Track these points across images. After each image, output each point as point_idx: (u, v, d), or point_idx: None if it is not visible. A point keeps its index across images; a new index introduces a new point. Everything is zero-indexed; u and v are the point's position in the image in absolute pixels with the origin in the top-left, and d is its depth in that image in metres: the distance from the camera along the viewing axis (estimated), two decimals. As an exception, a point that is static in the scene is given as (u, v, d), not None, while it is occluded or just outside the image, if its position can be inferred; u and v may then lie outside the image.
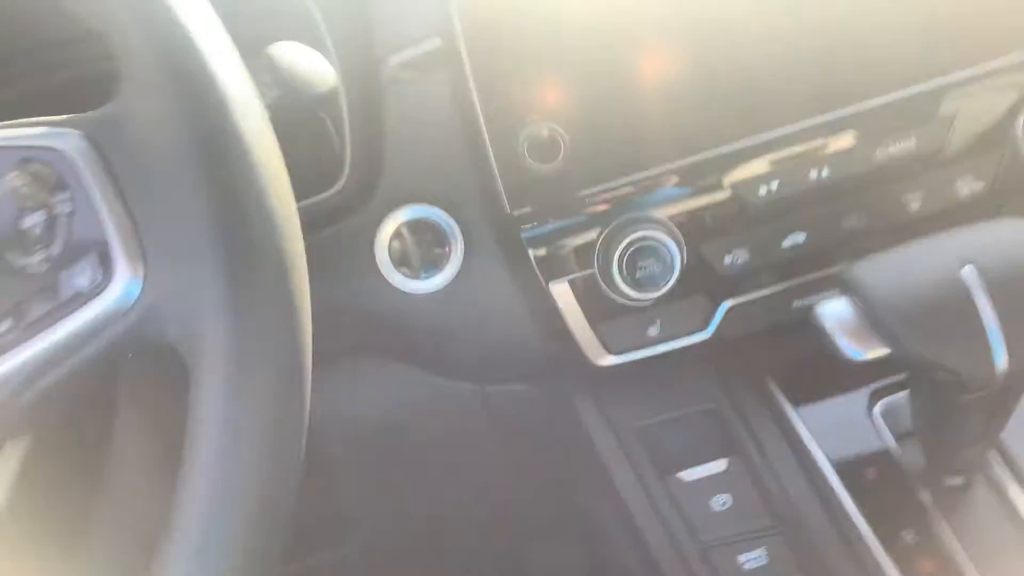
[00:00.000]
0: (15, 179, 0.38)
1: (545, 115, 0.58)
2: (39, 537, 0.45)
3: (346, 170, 0.61)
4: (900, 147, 0.59)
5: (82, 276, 0.37)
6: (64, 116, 0.39)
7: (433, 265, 0.62)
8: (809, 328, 0.52)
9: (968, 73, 0.58)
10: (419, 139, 0.62)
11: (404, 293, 0.62)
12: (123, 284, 0.36)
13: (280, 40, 0.60)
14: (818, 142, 0.58)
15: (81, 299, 0.37)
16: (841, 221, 0.60)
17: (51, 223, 0.38)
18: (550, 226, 0.59)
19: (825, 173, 0.59)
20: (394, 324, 0.63)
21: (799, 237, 0.60)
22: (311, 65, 0.51)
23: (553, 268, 0.60)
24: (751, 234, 0.60)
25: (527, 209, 0.59)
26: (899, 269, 0.50)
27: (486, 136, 0.58)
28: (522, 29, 0.59)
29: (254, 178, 0.36)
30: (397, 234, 0.62)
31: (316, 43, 0.61)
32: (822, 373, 0.64)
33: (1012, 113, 0.58)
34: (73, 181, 0.37)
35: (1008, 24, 0.58)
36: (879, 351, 0.49)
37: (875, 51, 0.57)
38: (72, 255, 0.37)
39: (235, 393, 0.36)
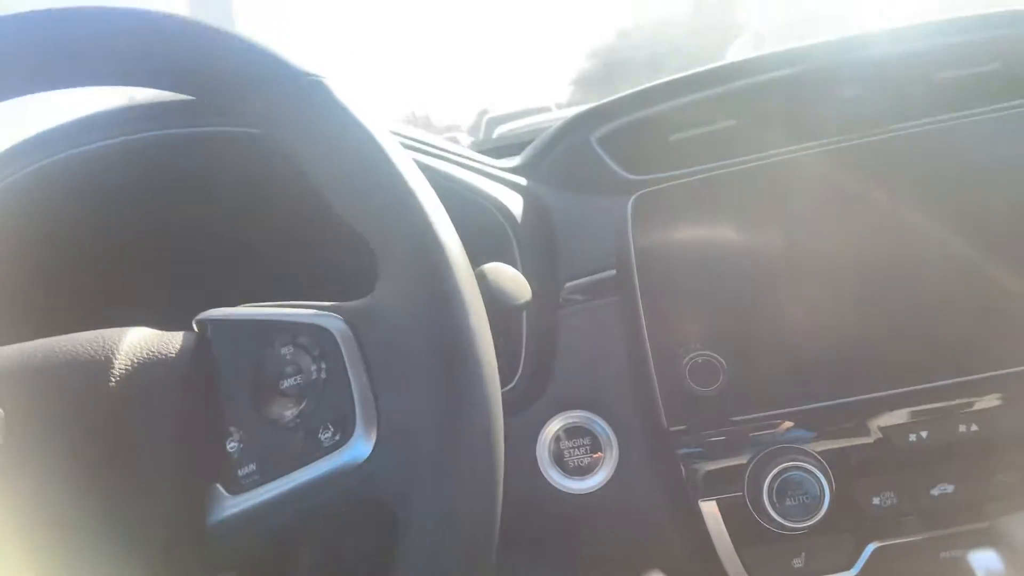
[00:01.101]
0: (285, 348, 0.47)
1: (707, 344, 0.64)
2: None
3: (519, 371, 0.68)
4: None
5: (325, 433, 0.44)
6: (330, 303, 0.48)
7: (584, 471, 0.67)
8: None
9: None
10: (586, 354, 0.69)
11: (558, 492, 0.66)
12: (358, 445, 0.43)
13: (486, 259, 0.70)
14: (967, 399, 0.61)
15: (320, 453, 0.44)
16: (991, 476, 0.62)
17: (307, 387, 0.46)
18: (704, 446, 0.64)
19: (974, 428, 0.61)
20: (548, 521, 0.67)
21: (948, 488, 0.62)
22: (515, 283, 0.59)
23: (703, 486, 0.64)
24: (900, 478, 0.62)
25: (683, 427, 0.64)
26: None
27: (650, 356, 0.65)
28: (690, 267, 0.67)
29: (478, 379, 0.43)
30: (556, 437, 0.68)
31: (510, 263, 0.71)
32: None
33: None
34: (332, 355, 0.45)
35: None
36: None
37: None
38: (319, 415, 0.45)
39: (439, 547, 0.41)
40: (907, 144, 0.69)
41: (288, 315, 0.48)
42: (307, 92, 0.45)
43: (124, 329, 0.48)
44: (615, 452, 0.66)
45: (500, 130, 6.31)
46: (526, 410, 0.68)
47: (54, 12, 0.45)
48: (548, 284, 0.71)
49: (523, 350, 0.69)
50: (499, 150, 0.89)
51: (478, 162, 0.79)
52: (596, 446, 0.67)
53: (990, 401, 0.61)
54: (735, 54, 5.62)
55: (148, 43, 0.45)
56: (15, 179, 0.66)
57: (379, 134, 0.46)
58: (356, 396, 0.44)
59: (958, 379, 0.62)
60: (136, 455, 0.44)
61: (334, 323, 0.46)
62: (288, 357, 0.47)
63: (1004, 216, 0.65)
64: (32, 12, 0.45)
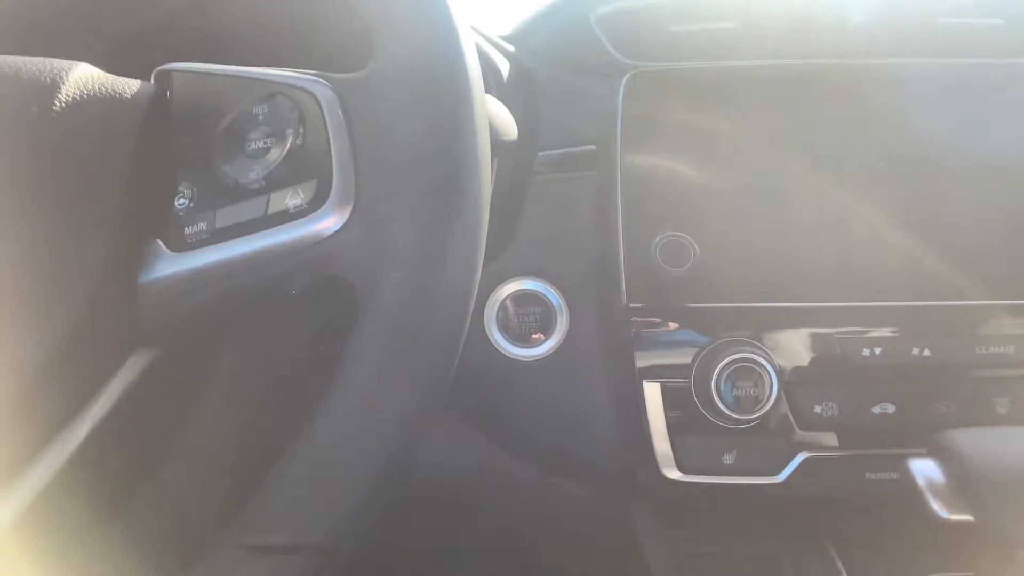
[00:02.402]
0: (260, 106, 0.43)
1: (681, 225, 0.62)
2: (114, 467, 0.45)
3: None
4: (999, 350, 0.61)
5: (294, 199, 0.40)
6: (316, 71, 0.43)
7: (530, 339, 0.64)
8: (878, 501, 0.53)
9: None
10: (550, 224, 0.67)
11: (501, 355, 0.64)
12: (329, 215, 0.39)
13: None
14: (927, 323, 0.61)
15: (285, 218, 0.39)
16: (932, 404, 0.62)
17: (280, 149, 0.41)
18: (659, 327, 0.62)
19: (926, 353, 0.61)
20: (484, 383, 0.64)
21: (889, 407, 0.62)
22: (504, 118, 0.56)
23: (650, 368, 0.62)
24: (845, 391, 0.62)
25: (641, 304, 0.62)
26: (995, 444, 0.51)
27: (620, 231, 0.63)
28: (674, 152, 0.65)
29: (470, 169, 0.39)
30: (504, 304, 0.65)
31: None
32: (882, 552, 0.63)
33: None
34: (313, 120, 0.41)
35: None
36: (965, 516, 0.50)
37: (1003, 258, 0.62)
38: (290, 179, 0.41)
39: (403, 332, 0.38)
40: (903, 77, 0.69)
41: (269, 74, 0.43)
42: None
43: (76, 62, 0.42)
44: (564, 324, 0.64)
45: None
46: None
47: None
48: (524, 148, 0.68)
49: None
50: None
51: (469, 20, 0.75)
52: (546, 316, 0.64)
53: (946, 329, 0.61)
54: None
55: None
56: None
57: None
58: (335, 166, 0.40)
59: (919, 302, 0.62)
60: (70, 188, 0.39)
61: (321, 89, 0.41)
62: (261, 118, 0.43)
63: (984, 162, 0.65)
64: None
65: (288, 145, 0.42)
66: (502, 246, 0.66)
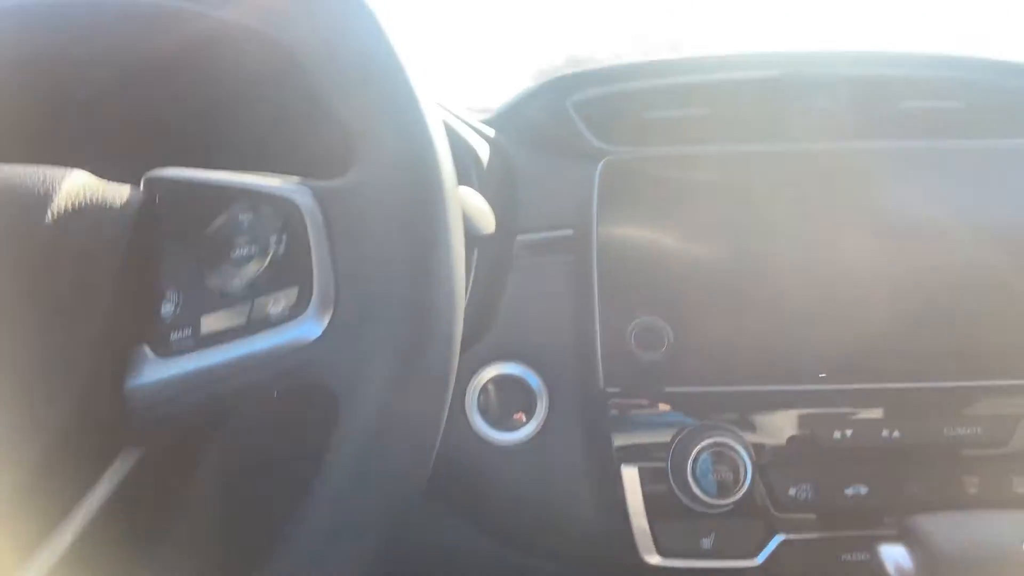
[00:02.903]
0: (244, 215, 0.44)
1: (656, 310, 0.64)
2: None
3: None
4: (967, 431, 0.63)
5: (276, 306, 0.41)
6: (299, 178, 0.45)
7: (510, 424, 0.66)
8: None
9: None
10: (529, 308, 0.68)
11: (482, 440, 0.65)
12: (308, 322, 0.40)
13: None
14: (896, 405, 0.63)
15: (267, 325, 0.41)
16: (903, 486, 0.63)
17: (262, 258, 0.43)
18: (636, 411, 0.63)
19: (896, 435, 0.63)
20: (464, 467, 0.65)
21: (862, 489, 0.63)
22: (481, 211, 0.58)
23: (628, 452, 0.63)
24: (818, 473, 0.63)
25: (618, 389, 0.63)
26: (963, 529, 0.53)
27: (597, 316, 0.64)
28: (649, 237, 0.67)
29: (449, 282, 0.41)
30: (484, 388, 0.66)
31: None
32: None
33: None
34: (295, 229, 0.42)
35: None
36: None
37: (970, 339, 0.64)
38: (272, 287, 0.42)
39: (380, 444, 0.39)
40: (868, 159, 0.71)
41: (254, 184, 0.45)
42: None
43: (69, 169, 0.44)
44: (544, 408, 0.65)
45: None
46: (460, 354, 0.67)
47: None
48: (503, 233, 0.69)
49: (467, 292, 0.67)
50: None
51: (447, 106, 0.77)
52: (526, 400, 0.66)
53: (914, 411, 0.63)
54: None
55: None
56: None
57: (390, 33, 0.44)
58: (316, 273, 0.41)
59: (888, 385, 0.63)
60: (61, 299, 0.41)
61: (303, 198, 0.43)
62: (245, 226, 0.44)
63: (949, 243, 0.67)
64: None
65: (271, 253, 0.43)
66: (483, 329, 0.68)
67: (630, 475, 0.63)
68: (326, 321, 0.40)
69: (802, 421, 0.63)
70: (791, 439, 0.63)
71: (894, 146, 0.72)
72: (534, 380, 0.66)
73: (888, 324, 0.65)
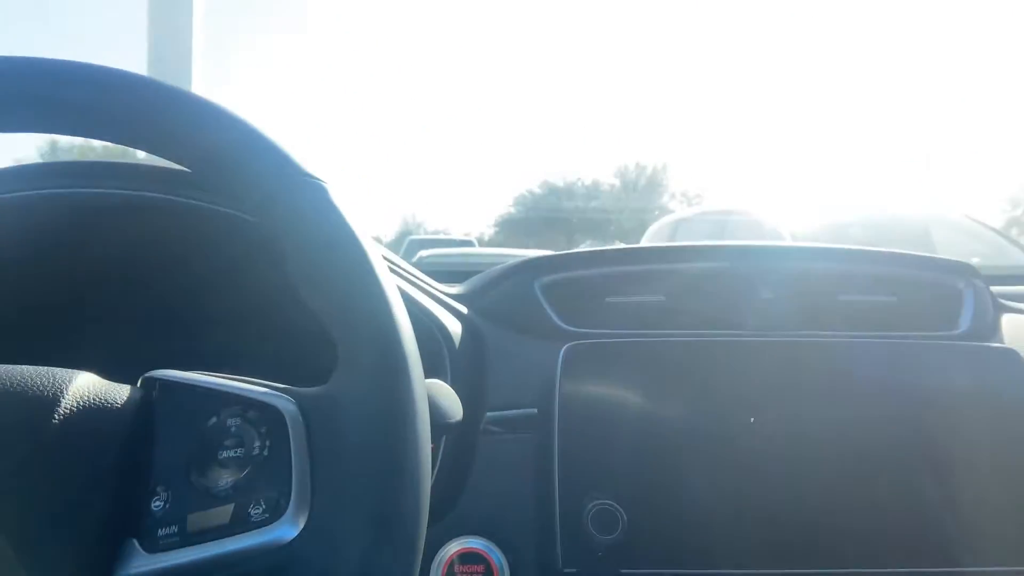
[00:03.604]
0: (232, 420, 0.49)
1: (611, 494, 0.68)
2: None
3: None
4: None
5: (256, 508, 0.46)
6: (284, 386, 0.50)
7: (472, 600, 0.69)
8: None
9: (967, 570, 0.68)
10: (495, 484, 0.73)
11: None
12: (285, 525, 0.44)
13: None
14: None
15: (248, 526, 0.45)
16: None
17: (246, 461, 0.48)
18: (591, 592, 0.67)
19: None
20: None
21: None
22: (450, 401, 0.63)
23: (584, 633, 0.66)
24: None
25: (575, 570, 0.67)
26: None
27: (557, 497, 0.69)
28: (606, 421, 0.72)
29: (414, 492, 0.45)
30: (451, 560, 0.69)
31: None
32: None
33: None
34: (278, 436, 0.47)
35: (1010, 537, 0.69)
36: None
37: (909, 524, 0.69)
38: (253, 490, 0.46)
39: None
40: (809, 350, 0.78)
41: (241, 389, 0.50)
42: (308, 192, 0.49)
43: (75, 371, 0.49)
44: None
45: (423, 254, 6.45)
46: (427, 529, 0.70)
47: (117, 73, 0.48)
48: (471, 410, 0.74)
49: (436, 469, 0.71)
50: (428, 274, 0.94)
51: (425, 283, 0.84)
52: (488, 575, 0.69)
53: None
54: (652, 233, 5.96)
55: (172, 122, 0.48)
56: None
57: (366, 244, 0.49)
58: (294, 479, 0.46)
59: (823, 570, 0.67)
60: (61, 495, 0.44)
61: (286, 405, 0.48)
62: (232, 429, 0.49)
63: (888, 429, 0.73)
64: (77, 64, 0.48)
65: (254, 456, 0.48)
66: (450, 504, 0.72)
67: (587, 655, 0.66)
68: (301, 524, 0.44)
69: (748, 604, 0.67)
70: None
71: (833, 338, 0.79)
72: (496, 555, 0.69)
73: (828, 509, 0.70)
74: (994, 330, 0.85)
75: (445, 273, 0.96)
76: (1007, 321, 0.88)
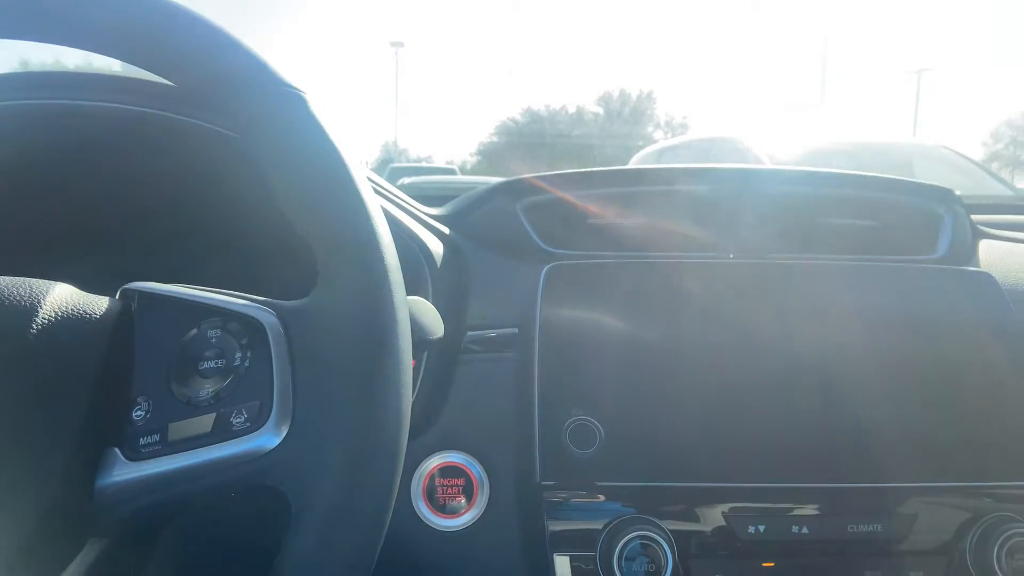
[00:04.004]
0: (213, 331, 0.49)
1: (589, 410, 0.70)
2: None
3: None
4: (868, 528, 0.69)
5: (238, 417, 0.46)
6: (264, 298, 0.50)
7: (453, 510, 0.70)
8: None
9: (935, 484, 0.70)
10: (474, 401, 0.74)
11: (425, 525, 0.69)
12: (267, 433, 0.45)
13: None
14: (807, 504, 0.69)
15: (229, 434, 0.46)
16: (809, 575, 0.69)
17: (228, 371, 0.48)
18: (568, 504, 0.68)
19: (804, 531, 0.69)
20: (409, 552, 0.69)
21: (774, 580, 0.69)
22: (431, 318, 0.63)
23: (561, 542, 0.68)
24: (735, 565, 0.68)
25: (553, 483, 0.69)
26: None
27: (536, 414, 0.70)
28: (585, 339, 0.73)
29: (395, 399, 0.46)
30: (432, 474, 0.71)
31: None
32: None
33: (965, 527, 0.69)
34: (259, 346, 0.48)
35: (981, 456, 0.72)
36: None
37: (875, 442, 0.71)
38: (235, 399, 0.47)
39: (329, 543, 0.43)
40: (790, 272, 0.78)
41: (222, 301, 0.50)
42: (287, 102, 0.48)
43: (52, 282, 0.49)
44: (485, 496, 0.70)
45: (404, 181, 6.38)
46: (408, 443, 0.71)
47: None
48: (453, 329, 0.75)
49: (417, 385, 0.72)
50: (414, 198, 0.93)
51: (407, 203, 0.83)
52: (468, 488, 0.71)
53: (819, 509, 0.69)
54: (636, 163, 5.93)
55: (154, 29, 0.47)
56: None
57: (346, 155, 0.49)
58: (276, 388, 0.46)
59: (796, 484, 0.69)
60: (41, 403, 0.45)
61: (267, 317, 0.48)
62: (214, 340, 0.49)
63: (863, 350, 0.74)
64: None
65: (236, 367, 0.48)
66: (431, 419, 0.73)
67: (562, 564, 0.68)
68: (283, 433, 0.45)
69: (720, 516, 0.69)
70: (710, 532, 0.68)
71: (812, 262, 0.80)
72: (476, 469, 0.71)
73: (799, 427, 0.71)
74: (972, 255, 0.86)
75: (427, 198, 0.95)
76: (985, 246, 0.89)
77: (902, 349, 0.74)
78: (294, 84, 0.49)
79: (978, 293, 0.77)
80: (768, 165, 4.06)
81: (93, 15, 0.46)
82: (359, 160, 0.51)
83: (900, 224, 0.87)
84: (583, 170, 0.87)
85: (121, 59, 0.48)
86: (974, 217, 0.92)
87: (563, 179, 0.87)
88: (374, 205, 0.49)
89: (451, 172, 13.09)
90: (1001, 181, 4.76)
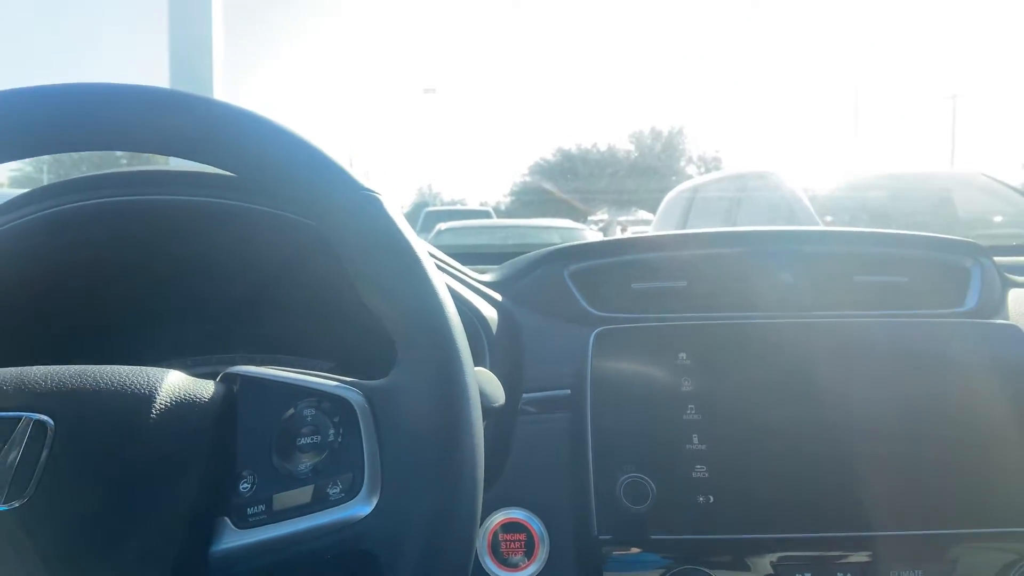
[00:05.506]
0: (308, 410, 0.55)
1: (641, 467, 0.75)
2: None
3: None
4: (909, 574, 0.73)
5: (334, 488, 0.52)
6: (352, 379, 0.56)
7: (516, 564, 0.75)
8: None
9: (974, 531, 0.73)
10: (533, 460, 0.79)
11: None
12: (360, 503, 0.51)
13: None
14: (848, 551, 0.73)
15: (327, 504, 0.52)
16: (858, 622, 0.72)
17: (323, 447, 0.54)
18: (626, 556, 0.73)
19: (850, 576, 0.72)
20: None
21: (821, 625, 0.72)
22: (494, 387, 0.69)
23: (621, 594, 0.73)
24: (783, 611, 0.72)
25: (610, 536, 0.73)
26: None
27: (591, 471, 0.75)
28: (635, 398, 0.78)
29: (471, 468, 0.52)
30: (496, 529, 0.76)
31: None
32: None
33: (1004, 572, 0.72)
34: (349, 424, 0.54)
35: (1016, 503, 0.75)
36: None
37: (915, 490, 0.74)
38: (330, 472, 0.53)
39: None
40: (826, 330, 0.83)
41: (316, 383, 0.56)
42: (366, 204, 0.55)
43: (165, 370, 0.55)
44: (546, 550, 0.75)
45: (442, 226, 6.52)
46: None
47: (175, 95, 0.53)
48: (510, 392, 0.81)
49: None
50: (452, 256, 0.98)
51: (462, 272, 0.90)
52: (530, 543, 0.76)
53: (863, 557, 0.73)
54: (670, 201, 5.96)
55: (246, 143, 0.53)
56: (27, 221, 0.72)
57: (418, 250, 0.55)
58: (366, 461, 0.52)
59: (840, 533, 0.73)
60: (161, 480, 0.51)
61: (356, 397, 0.55)
62: (309, 419, 0.55)
63: (899, 403, 0.78)
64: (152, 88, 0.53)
65: (330, 443, 0.54)
66: (493, 479, 0.78)
67: (622, 613, 0.72)
68: (374, 502, 0.51)
69: (768, 565, 0.73)
70: None
71: (847, 319, 0.84)
72: (537, 524, 0.76)
73: (842, 479, 0.75)
74: (1000, 306, 0.90)
75: (473, 254, 1.00)
76: (1013, 296, 0.93)
77: (935, 401, 0.78)
78: (371, 188, 0.55)
79: (1006, 344, 0.81)
80: (804, 199, 4.09)
81: (206, 135, 0.53)
82: (427, 250, 0.57)
83: (930, 278, 0.91)
84: (624, 237, 0.93)
85: (217, 167, 0.55)
86: (1014, 260, 0.95)
87: (606, 246, 0.93)
88: (443, 291, 0.55)
89: (486, 215, 13.27)
90: (1045, 206, 4.71)
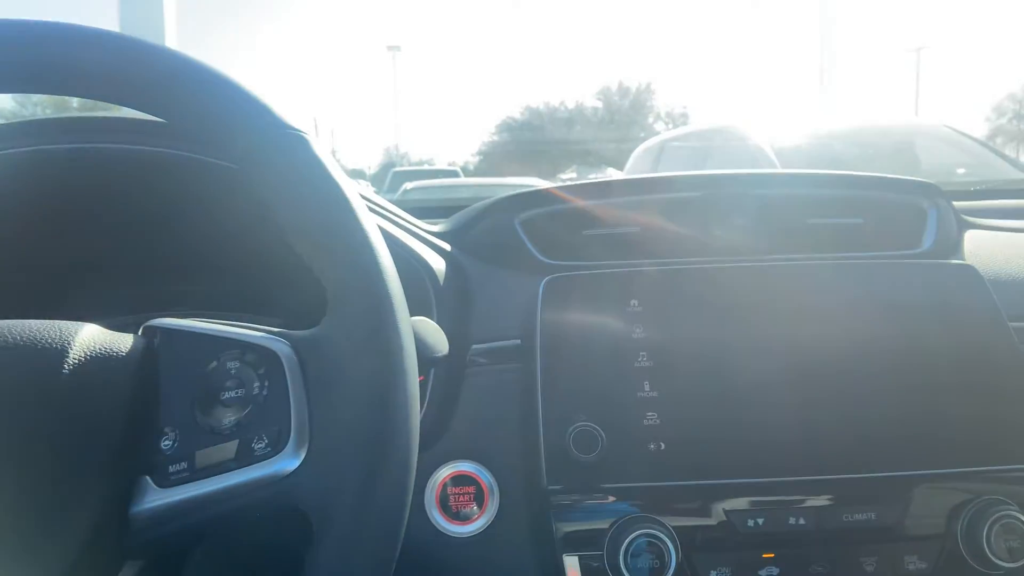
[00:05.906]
0: (232, 363, 0.53)
1: (591, 416, 0.73)
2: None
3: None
4: (863, 517, 0.72)
5: (259, 443, 0.50)
6: (279, 329, 0.54)
7: (465, 517, 0.74)
8: None
9: (926, 472, 0.73)
10: (482, 412, 0.77)
11: (440, 532, 0.73)
12: (287, 457, 0.49)
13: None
14: (801, 496, 0.72)
15: (252, 459, 0.49)
16: (810, 567, 0.72)
17: (247, 400, 0.51)
18: (575, 507, 0.72)
19: (802, 522, 0.72)
20: (423, 559, 0.73)
21: (774, 571, 0.72)
22: (436, 337, 0.67)
23: (569, 543, 0.71)
24: (736, 557, 0.72)
25: (559, 487, 0.72)
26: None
27: (540, 421, 0.73)
28: (585, 347, 0.76)
29: (404, 417, 0.49)
30: (444, 482, 0.74)
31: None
32: None
33: (956, 511, 0.72)
34: (275, 375, 0.51)
35: (969, 443, 0.75)
36: None
37: (865, 434, 0.74)
38: (255, 426, 0.50)
39: (348, 559, 0.47)
40: (780, 273, 0.81)
41: (240, 334, 0.53)
42: (291, 144, 0.52)
43: (80, 323, 0.52)
44: (496, 502, 0.74)
45: (408, 186, 6.45)
46: (420, 455, 0.75)
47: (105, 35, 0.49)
48: (458, 343, 0.78)
49: (426, 400, 0.76)
50: (414, 211, 0.96)
51: (409, 222, 0.87)
52: (479, 495, 0.74)
53: (815, 501, 0.72)
54: (637, 156, 5.95)
55: (157, 78, 0.50)
56: None
57: (349, 194, 0.52)
58: (293, 414, 0.50)
59: (792, 478, 0.72)
60: (76, 440, 0.48)
61: (282, 347, 0.52)
62: (233, 371, 0.52)
63: (853, 346, 0.77)
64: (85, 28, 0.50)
65: (255, 396, 0.52)
66: (441, 431, 0.76)
67: (571, 564, 0.71)
68: (302, 456, 0.49)
69: (720, 511, 0.72)
70: (711, 527, 0.72)
71: (801, 262, 0.83)
72: (486, 477, 0.74)
73: (793, 423, 0.74)
74: (956, 247, 0.89)
75: (437, 208, 0.98)
76: (970, 237, 0.92)
77: (888, 343, 0.77)
78: (296, 126, 0.52)
79: (960, 285, 0.80)
80: (769, 153, 4.09)
81: (103, 66, 0.49)
82: (358, 193, 0.54)
83: (886, 220, 0.90)
84: (575, 183, 0.91)
85: (129, 107, 0.51)
86: (973, 204, 0.94)
87: (557, 193, 0.90)
88: (376, 236, 0.52)
89: (454, 175, 13.15)
90: (1004, 157, 4.77)
